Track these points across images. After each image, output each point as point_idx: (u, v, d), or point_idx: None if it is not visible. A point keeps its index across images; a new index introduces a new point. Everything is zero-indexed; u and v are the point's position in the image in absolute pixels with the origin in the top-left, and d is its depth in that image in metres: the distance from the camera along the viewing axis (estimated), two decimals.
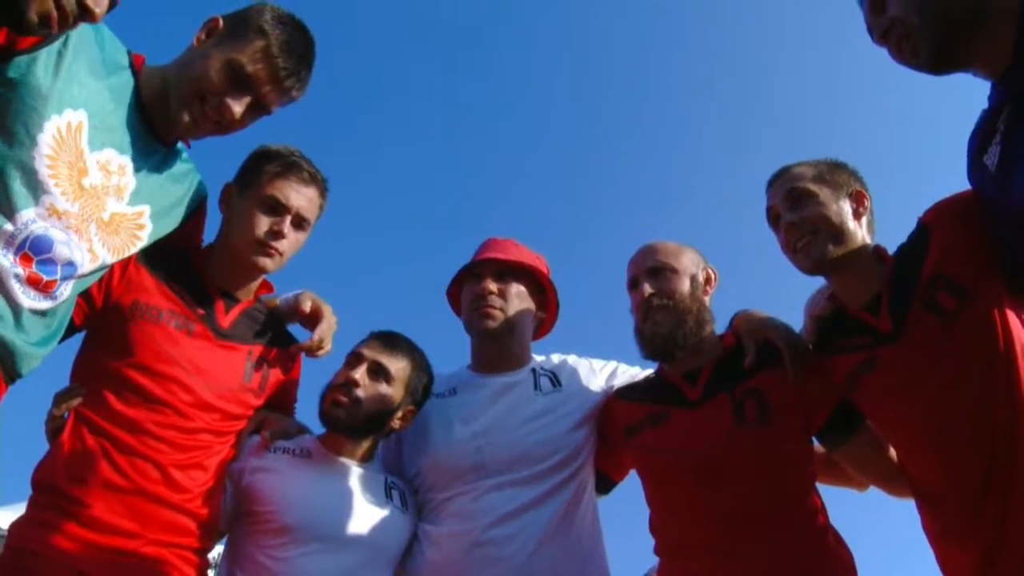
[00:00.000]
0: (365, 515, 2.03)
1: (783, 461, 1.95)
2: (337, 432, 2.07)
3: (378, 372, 2.08)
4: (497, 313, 2.26)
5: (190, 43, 1.76)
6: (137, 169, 1.69)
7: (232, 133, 1.80)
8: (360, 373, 2.06)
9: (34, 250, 1.49)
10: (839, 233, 1.84)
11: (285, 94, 1.79)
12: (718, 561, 1.89)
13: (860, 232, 1.88)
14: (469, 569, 2.00)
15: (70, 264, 1.56)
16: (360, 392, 2.04)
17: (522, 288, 2.34)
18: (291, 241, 2.00)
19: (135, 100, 1.67)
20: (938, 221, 1.78)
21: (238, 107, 1.72)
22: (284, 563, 1.90)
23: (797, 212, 1.88)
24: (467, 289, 2.35)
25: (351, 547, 1.98)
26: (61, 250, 1.53)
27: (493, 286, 2.28)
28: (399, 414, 2.12)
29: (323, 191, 2.08)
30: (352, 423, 2.04)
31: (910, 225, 1.85)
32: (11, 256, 1.46)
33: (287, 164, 2.00)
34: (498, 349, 2.31)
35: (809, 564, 1.87)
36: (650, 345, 2.08)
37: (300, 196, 1.99)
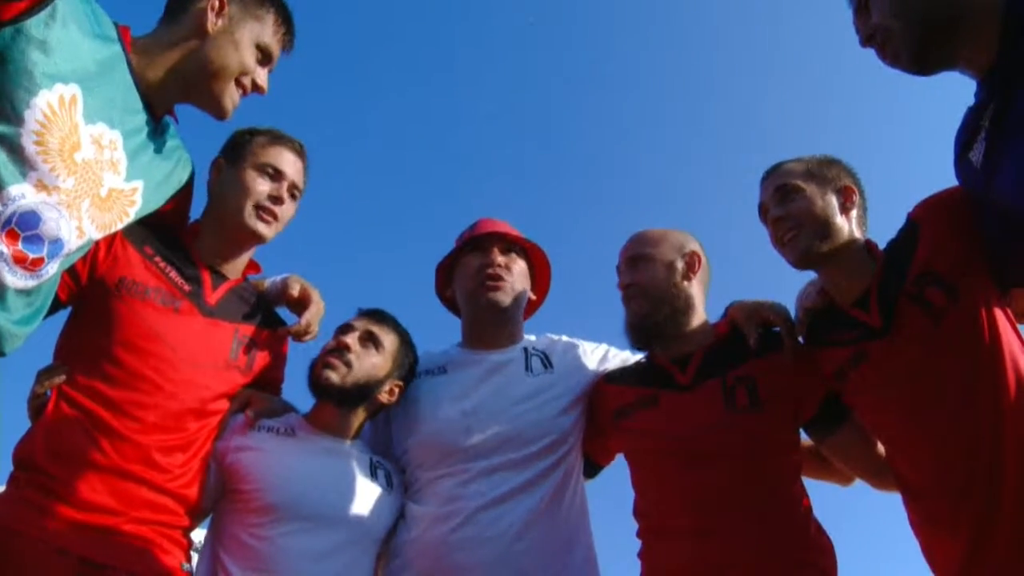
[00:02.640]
0: (350, 494, 2.02)
1: (770, 447, 1.98)
2: (326, 399, 2.07)
3: (370, 339, 2.10)
4: (506, 285, 2.27)
5: (194, 22, 1.72)
6: (128, 144, 1.65)
7: None
8: (352, 339, 2.08)
9: (21, 226, 1.44)
10: (824, 228, 1.87)
11: (287, 53, 1.91)
12: (700, 544, 1.91)
13: (848, 227, 1.90)
14: (453, 550, 2.00)
15: (57, 242, 1.52)
16: (352, 356, 2.06)
17: (523, 265, 2.37)
18: (287, 210, 2.07)
19: (124, 73, 1.63)
20: (927, 217, 1.81)
21: (265, 77, 1.85)
22: (267, 542, 1.89)
23: (783, 207, 1.91)
24: (469, 261, 2.32)
25: (335, 526, 1.97)
26: (50, 227, 1.49)
27: (501, 259, 2.30)
28: (386, 387, 2.12)
29: (306, 166, 2.14)
30: (343, 388, 2.04)
31: (901, 220, 1.87)
32: None
33: (277, 135, 2.09)
34: (498, 322, 2.30)
35: (790, 550, 1.90)
36: (630, 333, 2.13)
37: (293, 166, 2.08)
